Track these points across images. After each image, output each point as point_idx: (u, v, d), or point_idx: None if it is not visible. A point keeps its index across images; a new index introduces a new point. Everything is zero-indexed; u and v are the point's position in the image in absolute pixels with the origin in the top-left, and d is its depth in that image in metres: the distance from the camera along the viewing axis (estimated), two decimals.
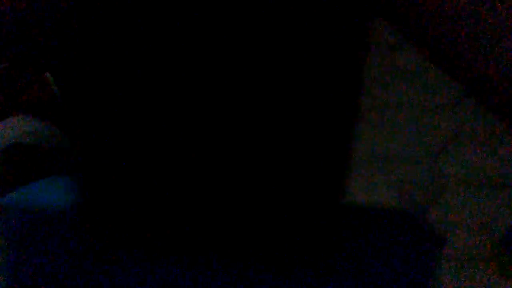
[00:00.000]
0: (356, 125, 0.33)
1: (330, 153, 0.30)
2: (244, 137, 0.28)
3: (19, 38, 0.94)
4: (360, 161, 0.99)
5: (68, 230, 0.38)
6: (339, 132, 0.30)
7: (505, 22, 1.10)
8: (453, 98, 1.17)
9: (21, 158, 0.77)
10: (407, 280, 0.35)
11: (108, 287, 0.35)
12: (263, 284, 0.33)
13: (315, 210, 0.31)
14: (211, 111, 0.27)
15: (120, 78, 0.26)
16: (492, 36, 1.15)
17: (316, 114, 0.28)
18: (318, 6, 0.27)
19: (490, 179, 0.95)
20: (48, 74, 0.88)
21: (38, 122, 0.81)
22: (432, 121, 1.09)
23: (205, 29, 0.26)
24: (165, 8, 0.25)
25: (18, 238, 0.38)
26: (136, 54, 0.25)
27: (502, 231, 0.83)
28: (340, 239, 0.34)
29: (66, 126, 0.86)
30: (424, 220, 0.39)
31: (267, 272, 0.33)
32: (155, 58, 0.27)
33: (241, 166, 0.29)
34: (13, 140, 0.76)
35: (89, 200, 0.32)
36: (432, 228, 0.39)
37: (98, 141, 0.30)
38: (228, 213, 0.30)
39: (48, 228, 0.38)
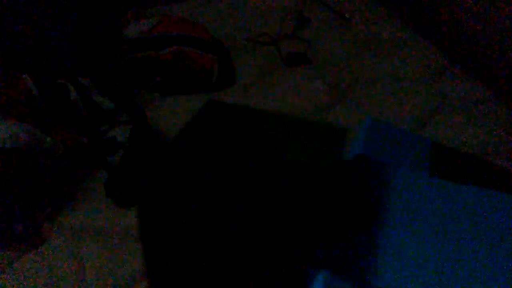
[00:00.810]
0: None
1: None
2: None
3: None
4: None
5: None
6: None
7: None
8: (438, 67, 1.17)
9: (2, 163, 0.77)
10: None
11: None
12: None
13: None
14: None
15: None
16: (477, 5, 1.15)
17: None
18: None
19: (479, 147, 0.95)
20: (26, 76, 0.88)
21: (17, 125, 0.81)
22: (417, 92, 1.09)
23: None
24: None
25: None
26: None
27: None
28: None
29: (47, 127, 0.85)
30: None
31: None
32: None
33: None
34: None
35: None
36: None
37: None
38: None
39: None
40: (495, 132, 1.00)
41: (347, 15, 1.30)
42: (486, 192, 0.59)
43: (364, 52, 1.19)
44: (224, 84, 1.12)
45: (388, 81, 1.12)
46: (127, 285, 0.73)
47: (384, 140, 0.67)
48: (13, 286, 0.74)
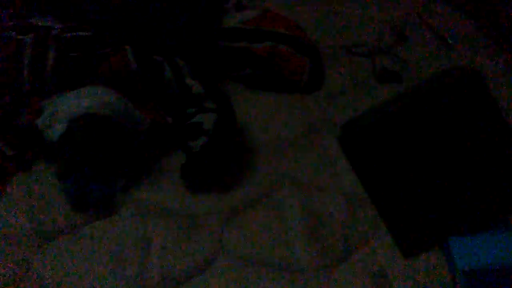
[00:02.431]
0: None
1: None
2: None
3: (104, 7, 0.95)
4: None
5: None
6: None
7: None
8: None
9: (94, 128, 0.79)
10: None
11: None
12: None
13: None
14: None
15: None
16: None
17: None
18: None
19: None
20: (127, 47, 0.89)
21: (114, 94, 0.82)
22: None
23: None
24: None
25: None
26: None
27: None
28: None
29: (138, 101, 0.87)
30: None
31: None
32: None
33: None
34: (90, 110, 0.78)
35: None
36: None
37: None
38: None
39: None
40: None
41: (449, 40, 1.24)
42: None
43: None
44: (311, 88, 1.10)
45: None
46: (188, 272, 0.73)
47: None
48: (80, 248, 0.76)
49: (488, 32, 1.35)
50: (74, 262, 0.74)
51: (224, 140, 0.83)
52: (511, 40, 1.28)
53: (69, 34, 0.92)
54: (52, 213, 0.80)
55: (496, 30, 1.33)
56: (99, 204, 0.80)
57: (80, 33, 0.93)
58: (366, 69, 1.15)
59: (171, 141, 0.90)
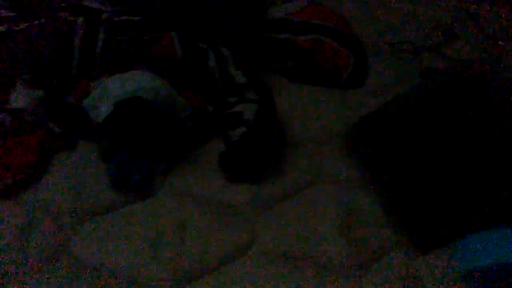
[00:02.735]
0: None
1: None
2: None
3: None
4: None
5: None
6: None
7: None
8: None
9: (139, 112, 0.80)
10: None
11: None
12: None
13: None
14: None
15: None
16: None
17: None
18: None
19: None
20: (174, 33, 0.90)
21: (159, 79, 0.84)
22: None
23: None
24: None
25: None
26: None
27: None
28: None
29: (181, 87, 0.88)
30: None
31: None
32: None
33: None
34: (135, 94, 0.79)
35: None
36: None
37: None
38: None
39: None
40: None
41: (500, 42, 1.20)
42: None
43: None
44: (353, 84, 1.08)
45: None
46: (221, 260, 0.74)
47: None
48: (118, 228, 0.78)
49: None
50: (112, 241, 0.76)
51: (263, 131, 0.84)
52: None
53: (118, 18, 0.94)
54: (93, 192, 0.82)
55: None
56: (139, 186, 0.82)
57: (129, 18, 0.95)
58: (411, 67, 1.13)
59: (211, 129, 0.90)
